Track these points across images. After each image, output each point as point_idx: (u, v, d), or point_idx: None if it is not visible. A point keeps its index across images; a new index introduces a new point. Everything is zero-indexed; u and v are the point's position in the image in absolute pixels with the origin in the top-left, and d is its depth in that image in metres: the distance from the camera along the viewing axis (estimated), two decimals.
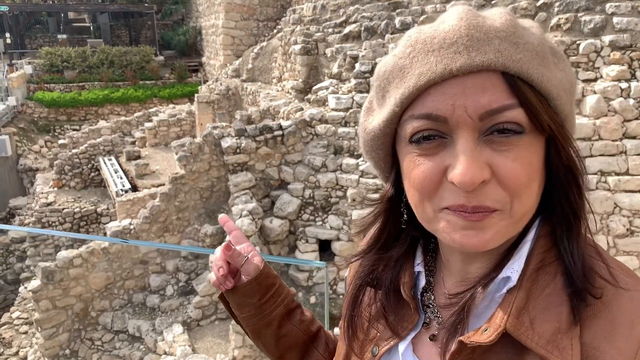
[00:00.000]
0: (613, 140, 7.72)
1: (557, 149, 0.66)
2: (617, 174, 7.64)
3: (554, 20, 8.67)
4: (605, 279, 0.65)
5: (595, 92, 7.89)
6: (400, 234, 0.82)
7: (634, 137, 7.73)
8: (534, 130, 0.63)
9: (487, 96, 0.61)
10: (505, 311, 0.64)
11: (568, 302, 0.63)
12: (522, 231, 0.69)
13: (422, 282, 0.80)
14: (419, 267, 0.80)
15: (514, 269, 0.67)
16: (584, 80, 8.07)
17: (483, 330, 0.65)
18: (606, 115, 7.77)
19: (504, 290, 0.67)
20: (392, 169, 0.77)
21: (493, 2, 9.45)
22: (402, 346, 0.77)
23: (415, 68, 0.65)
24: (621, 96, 7.80)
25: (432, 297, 0.78)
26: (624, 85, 7.83)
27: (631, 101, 7.73)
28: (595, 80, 8.07)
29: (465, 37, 0.62)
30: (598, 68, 8.13)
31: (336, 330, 1.50)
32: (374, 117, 0.74)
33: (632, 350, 0.60)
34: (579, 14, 8.47)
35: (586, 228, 0.69)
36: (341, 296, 9.05)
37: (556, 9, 8.71)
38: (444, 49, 0.63)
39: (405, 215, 0.78)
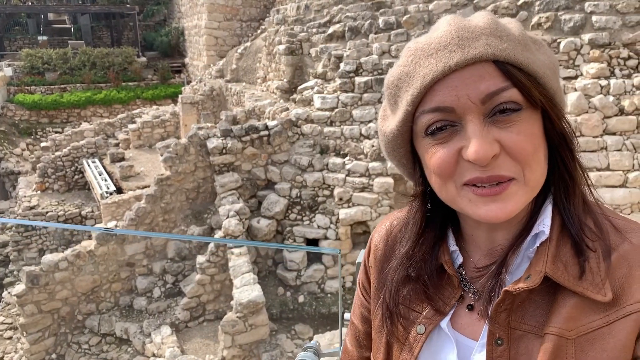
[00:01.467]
0: (594, 137, 7.89)
1: (551, 119, 0.77)
2: (598, 170, 7.80)
3: (534, 19, 8.81)
4: (594, 232, 0.77)
5: (575, 90, 8.05)
6: (429, 223, 0.91)
7: (613, 134, 7.90)
8: (530, 105, 0.74)
9: (485, 82, 0.72)
10: (542, 259, 0.76)
11: (591, 250, 0.75)
12: (535, 200, 0.80)
13: (460, 259, 0.88)
14: (453, 246, 0.88)
15: (545, 224, 0.78)
16: (565, 78, 8.21)
17: (525, 278, 0.75)
18: (587, 112, 7.93)
19: (536, 245, 0.78)
20: (415, 165, 0.87)
21: (475, 1, 9.57)
22: (444, 322, 0.85)
23: (419, 71, 0.76)
24: (601, 93, 7.97)
25: (463, 272, 0.87)
26: (603, 82, 7.99)
27: (611, 98, 7.90)
28: (575, 77, 8.23)
29: (456, 38, 0.74)
30: (578, 66, 8.29)
31: (347, 315, 1.53)
32: (390, 121, 0.85)
33: None
34: (559, 13, 8.63)
35: (582, 189, 0.81)
36: (329, 295, 9.08)
37: (537, 8, 8.86)
38: (440, 50, 0.74)
39: (428, 204, 0.88)
